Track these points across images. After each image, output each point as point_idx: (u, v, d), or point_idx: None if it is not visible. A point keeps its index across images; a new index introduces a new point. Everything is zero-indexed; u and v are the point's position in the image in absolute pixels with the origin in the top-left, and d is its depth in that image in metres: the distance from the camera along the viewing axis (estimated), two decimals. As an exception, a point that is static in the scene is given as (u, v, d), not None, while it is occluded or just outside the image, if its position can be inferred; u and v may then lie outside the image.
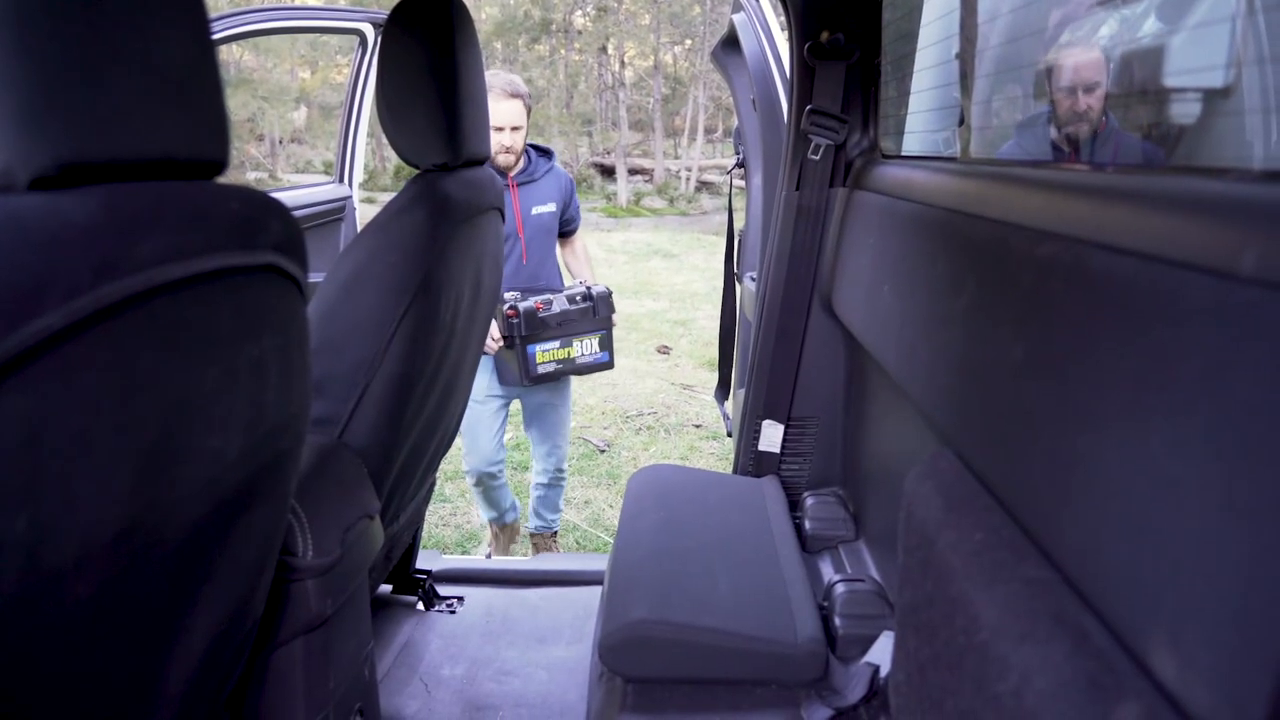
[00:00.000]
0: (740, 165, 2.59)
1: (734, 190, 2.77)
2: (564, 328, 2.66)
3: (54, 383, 0.45)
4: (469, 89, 1.18)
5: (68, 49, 0.48)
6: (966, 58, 1.26)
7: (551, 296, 2.62)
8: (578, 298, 2.68)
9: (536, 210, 2.65)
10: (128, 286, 0.49)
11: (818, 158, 1.66)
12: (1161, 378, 0.54)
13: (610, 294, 2.72)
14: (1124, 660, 0.56)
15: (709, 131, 18.99)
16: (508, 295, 2.60)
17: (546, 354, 2.67)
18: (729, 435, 2.40)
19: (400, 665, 1.56)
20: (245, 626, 0.80)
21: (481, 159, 1.32)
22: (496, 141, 2.46)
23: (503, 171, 2.54)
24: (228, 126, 0.60)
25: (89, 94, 0.49)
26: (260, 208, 0.64)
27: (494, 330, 2.55)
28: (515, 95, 2.43)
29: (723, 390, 2.54)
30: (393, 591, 1.80)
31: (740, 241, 2.65)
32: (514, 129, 2.48)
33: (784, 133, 1.79)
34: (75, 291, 0.45)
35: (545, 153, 2.73)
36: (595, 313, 2.70)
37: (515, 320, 2.55)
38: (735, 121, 2.59)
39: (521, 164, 2.59)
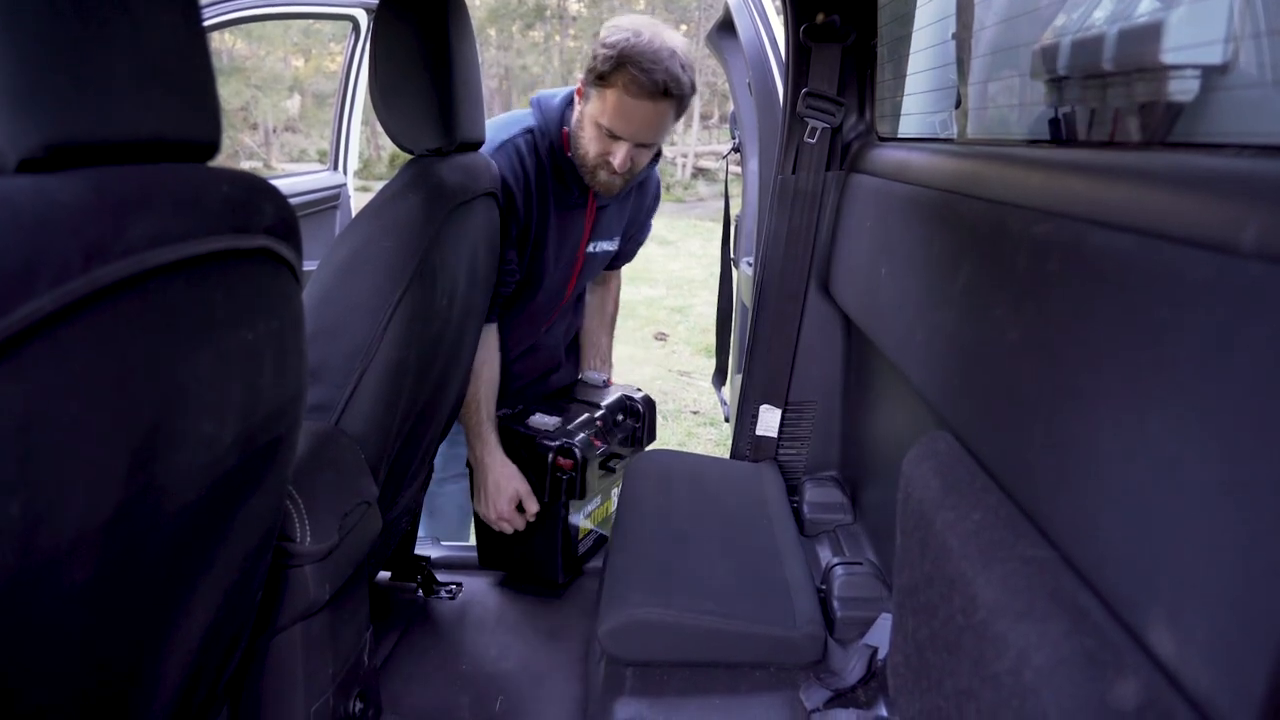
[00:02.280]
0: (736, 150, 2.58)
1: (730, 176, 2.76)
2: (609, 468, 1.70)
3: (46, 367, 0.45)
4: (462, 73, 1.17)
5: (55, 29, 0.47)
6: (963, 39, 1.25)
7: (592, 410, 1.66)
8: (620, 415, 1.72)
9: (596, 246, 1.77)
10: (119, 270, 0.49)
11: (814, 141, 1.65)
12: (1160, 355, 0.54)
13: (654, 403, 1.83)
14: (1122, 637, 0.56)
15: (705, 118, 18.91)
16: (535, 422, 1.62)
17: (588, 521, 1.71)
18: (726, 421, 2.39)
19: (399, 651, 1.57)
20: (244, 612, 0.79)
21: (476, 143, 1.31)
22: (598, 153, 1.51)
23: (584, 186, 1.62)
24: (219, 108, 0.60)
25: (77, 75, 0.48)
26: (253, 191, 0.64)
27: (507, 490, 1.57)
28: (667, 94, 1.43)
29: (720, 376, 2.54)
30: (391, 578, 1.80)
31: (737, 227, 2.65)
32: (646, 146, 1.53)
33: (780, 117, 1.78)
34: (66, 275, 0.45)
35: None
36: (639, 439, 1.81)
37: (569, 475, 1.53)
38: (731, 107, 2.58)
39: None
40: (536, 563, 1.66)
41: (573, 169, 1.58)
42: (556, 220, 1.64)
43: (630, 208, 1.83)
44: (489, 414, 1.63)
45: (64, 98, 0.48)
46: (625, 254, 1.95)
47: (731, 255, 2.54)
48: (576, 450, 1.54)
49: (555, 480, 1.54)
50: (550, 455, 1.55)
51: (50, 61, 0.47)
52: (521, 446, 1.59)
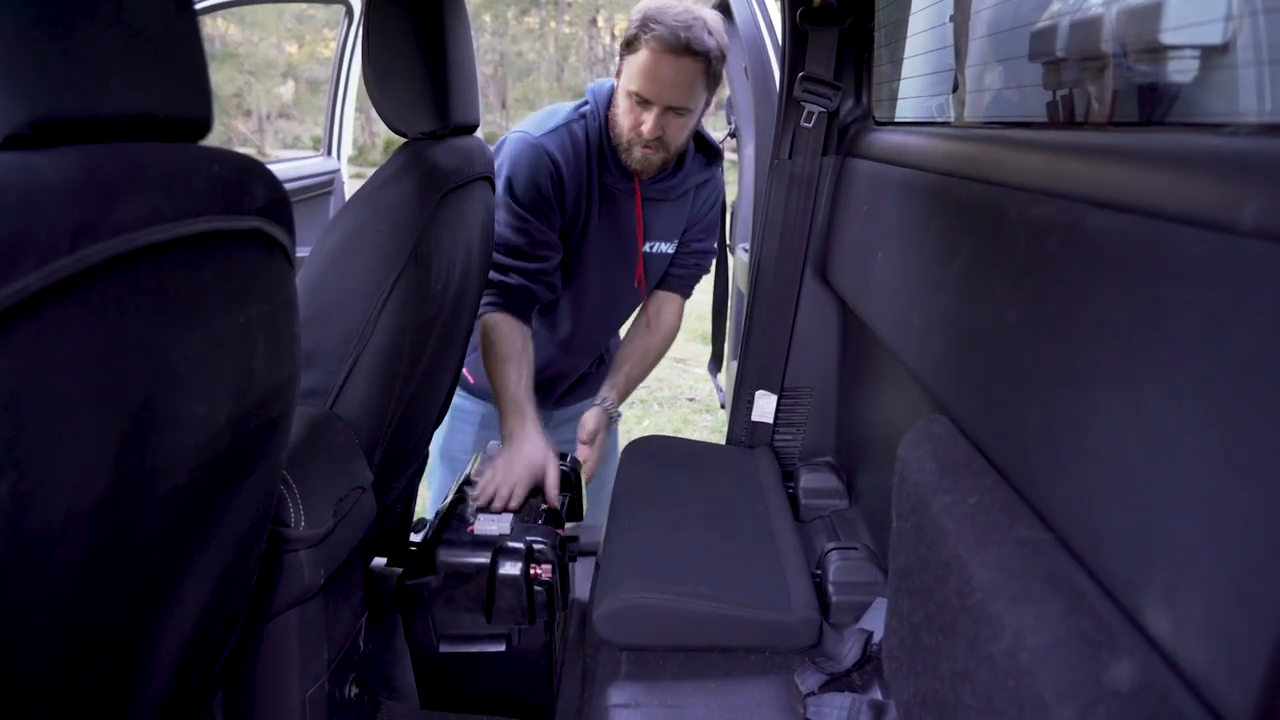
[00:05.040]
0: (733, 135, 2.57)
1: (726, 161, 2.75)
2: (573, 555, 1.45)
3: (33, 346, 0.44)
4: (456, 56, 1.16)
5: (41, 3, 0.47)
6: (960, 21, 1.24)
7: (533, 495, 1.40)
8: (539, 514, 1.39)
9: (653, 247, 1.72)
10: (108, 249, 0.48)
11: (810, 125, 1.64)
12: (1159, 335, 0.53)
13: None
14: (1119, 618, 0.56)
15: (701, 104, 18.85)
16: (482, 529, 1.25)
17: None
18: (722, 407, 2.39)
19: (394, 637, 1.57)
20: (238, 597, 0.79)
21: (471, 126, 1.30)
22: (631, 125, 1.50)
23: (629, 173, 1.60)
24: (209, 86, 0.59)
25: (63, 50, 0.47)
26: (244, 171, 0.63)
27: (521, 465, 1.41)
28: (691, 50, 1.40)
29: (716, 362, 2.54)
30: (386, 564, 1.79)
31: (733, 212, 2.64)
32: (677, 111, 1.49)
33: (776, 101, 1.77)
34: (52, 253, 0.44)
35: (710, 151, 1.74)
36: (577, 512, 1.56)
37: (549, 584, 1.22)
38: (727, 92, 2.56)
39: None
40: (518, 702, 1.33)
41: (615, 153, 1.59)
42: (603, 208, 1.64)
43: (688, 208, 1.76)
44: (521, 388, 1.52)
45: (50, 73, 0.47)
46: (683, 266, 1.82)
47: (728, 241, 2.53)
48: (551, 553, 1.19)
49: (533, 595, 1.17)
50: (519, 567, 1.17)
51: (36, 36, 0.46)
52: (475, 571, 1.20)
